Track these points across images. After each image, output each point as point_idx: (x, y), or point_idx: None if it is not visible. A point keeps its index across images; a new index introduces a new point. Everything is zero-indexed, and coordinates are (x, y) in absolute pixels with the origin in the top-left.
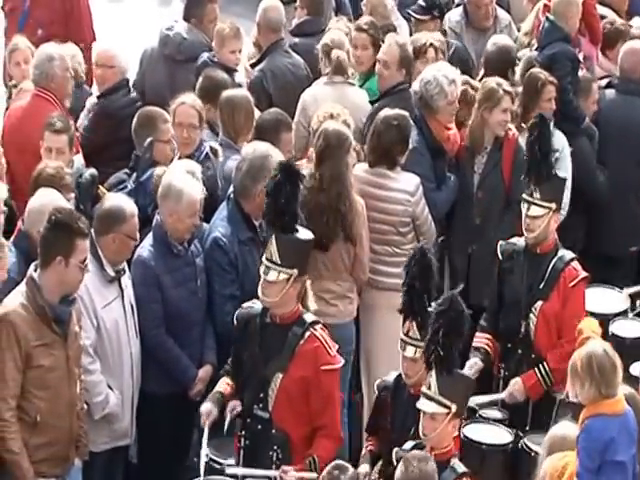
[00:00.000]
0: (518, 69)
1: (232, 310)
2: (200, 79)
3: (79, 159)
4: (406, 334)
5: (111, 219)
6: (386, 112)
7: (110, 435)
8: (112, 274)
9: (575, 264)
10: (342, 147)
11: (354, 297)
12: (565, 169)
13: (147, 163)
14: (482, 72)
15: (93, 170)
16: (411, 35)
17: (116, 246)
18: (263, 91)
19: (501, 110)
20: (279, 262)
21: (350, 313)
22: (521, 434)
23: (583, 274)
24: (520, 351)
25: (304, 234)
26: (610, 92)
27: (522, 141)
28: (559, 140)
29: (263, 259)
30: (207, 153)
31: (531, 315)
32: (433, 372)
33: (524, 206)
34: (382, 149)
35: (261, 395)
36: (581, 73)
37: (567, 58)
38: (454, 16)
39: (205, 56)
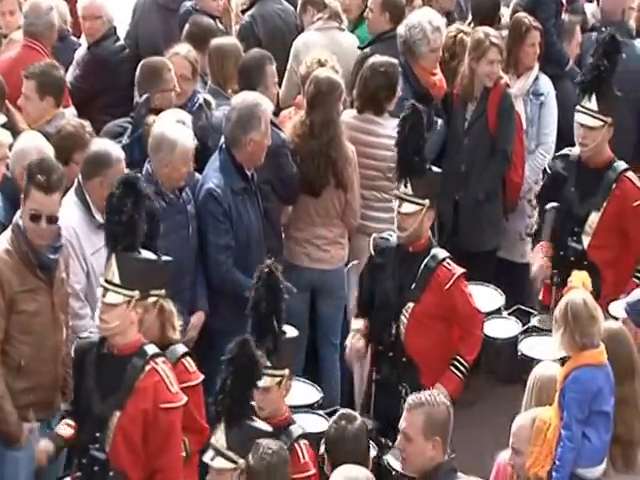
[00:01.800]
0: (506, 14)
1: (226, 260)
2: (187, 26)
3: (71, 111)
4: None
5: (97, 162)
6: (374, 59)
7: None
8: (101, 220)
9: (448, 263)
10: (333, 94)
11: (345, 242)
12: (550, 114)
13: (142, 119)
14: (470, 18)
15: (86, 123)
16: None
17: (103, 190)
18: (253, 36)
19: (487, 61)
20: (119, 283)
21: (342, 258)
22: None
23: (458, 272)
24: (391, 354)
25: (147, 254)
26: (591, 35)
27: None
28: (544, 84)
29: (101, 280)
30: (200, 104)
31: (402, 317)
32: (222, 425)
33: (395, 202)
34: (369, 95)
35: (97, 434)
36: (565, 16)
37: (551, 1)
38: None
39: (188, 4)
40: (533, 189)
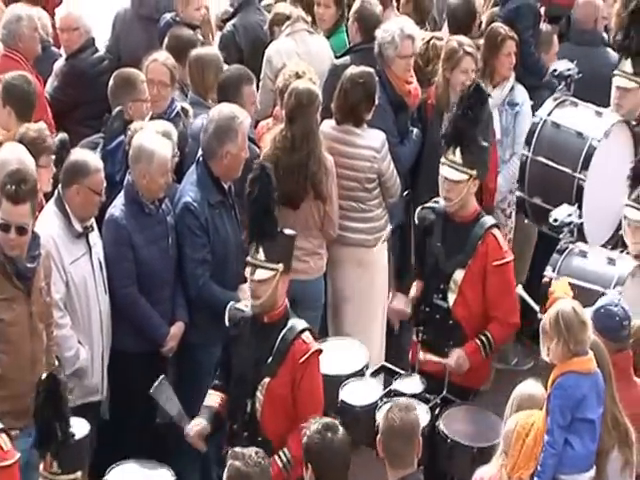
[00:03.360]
0: (483, 24)
1: (203, 274)
2: (166, 39)
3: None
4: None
5: (74, 171)
6: (352, 70)
7: (80, 390)
8: (80, 230)
9: (306, 335)
10: (312, 105)
11: (324, 253)
12: (525, 123)
13: (115, 132)
14: (446, 28)
15: (63, 135)
16: None
17: (80, 199)
18: (234, 45)
19: (461, 71)
20: None
21: (320, 269)
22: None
23: (314, 347)
24: (246, 434)
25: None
26: (565, 45)
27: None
28: (519, 94)
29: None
30: (178, 112)
31: (257, 393)
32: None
33: (247, 269)
34: (349, 107)
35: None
36: (542, 26)
37: (530, 11)
38: None
39: (167, 16)
40: (507, 198)
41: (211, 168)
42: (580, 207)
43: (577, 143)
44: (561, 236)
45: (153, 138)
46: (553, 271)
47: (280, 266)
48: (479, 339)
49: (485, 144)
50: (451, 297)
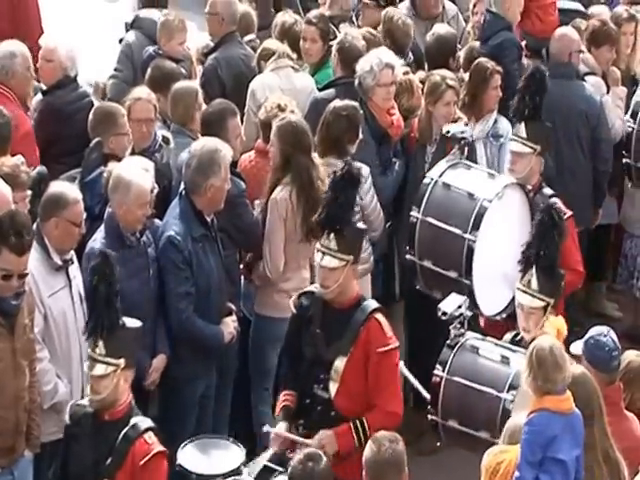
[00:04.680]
0: (461, 58)
1: (186, 308)
2: (149, 70)
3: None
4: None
5: (53, 203)
6: (335, 103)
7: (59, 425)
8: (59, 263)
9: (148, 435)
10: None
11: None
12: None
13: (93, 164)
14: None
15: (42, 168)
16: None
17: (59, 232)
18: (217, 79)
19: (444, 104)
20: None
21: None
22: None
23: (157, 449)
24: None
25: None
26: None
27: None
28: (503, 126)
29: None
30: (161, 143)
31: None
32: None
33: (86, 364)
34: (332, 140)
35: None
36: (525, 60)
37: (513, 45)
38: (402, 8)
39: (150, 49)
40: None
41: (194, 202)
42: (470, 271)
43: (468, 204)
44: (451, 328)
45: (131, 169)
46: (443, 370)
47: (121, 362)
48: (353, 422)
49: (362, 227)
50: (333, 387)
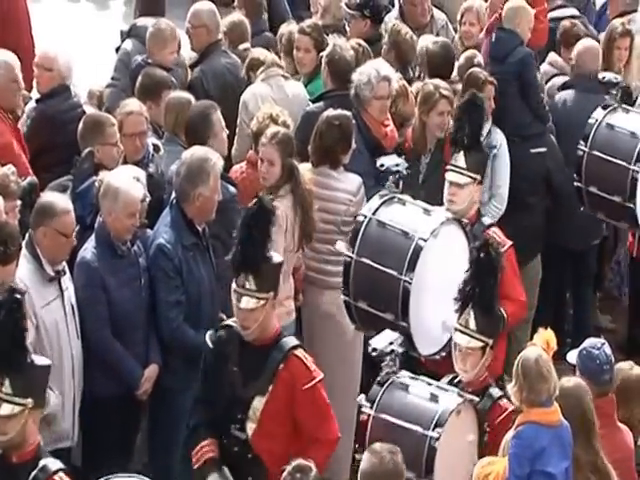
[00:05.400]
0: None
1: (177, 317)
2: (140, 78)
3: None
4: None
5: (42, 212)
6: (328, 113)
7: (50, 436)
8: (51, 273)
9: (59, 477)
10: None
11: None
12: (503, 166)
13: (85, 173)
14: (424, 71)
15: (32, 178)
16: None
17: (47, 241)
18: (203, 91)
19: (437, 113)
20: None
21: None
22: None
23: None
24: None
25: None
26: (569, 92)
27: None
28: (496, 137)
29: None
30: (153, 154)
31: None
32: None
33: None
34: (324, 149)
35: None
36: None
37: (533, 59)
38: (390, 18)
39: (139, 59)
40: None
41: (184, 210)
42: (407, 313)
43: (403, 243)
44: (382, 365)
45: (121, 177)
46: (371, 407)
47: (29, 401)
48: None
49: (278, 260)
50: (250, 427)
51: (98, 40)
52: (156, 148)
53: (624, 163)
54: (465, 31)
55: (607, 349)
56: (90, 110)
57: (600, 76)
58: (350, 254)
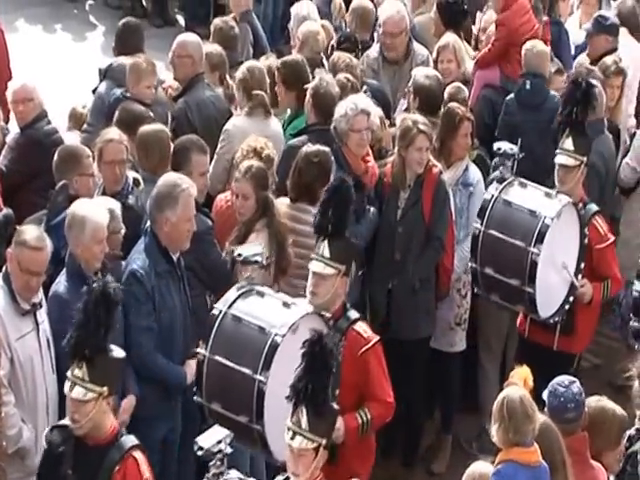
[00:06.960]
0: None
1: (147, 343)
2: (117, 112)
3: None
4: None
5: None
6: (307, 149)
7: (23, 470)
8: (26, 307)
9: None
10: None
11: None
12: (479, 203)
13: (59, 206)
14: (416, 104)
15: (8, 211)
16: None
17: (20, 275)
18: (187, 123)
19: (416, 149)
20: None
21: None
22: None
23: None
24: None
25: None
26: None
27: (445, 177)
28: (473, 174)
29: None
30: (132, 186)
31: None
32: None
33: None
34: (303, 185)
35: None
36: None
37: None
38: (372, 53)
39: (117, 92)
40: (462, 279)
41: (158, 237)
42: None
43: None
44: (210, 465)
45: (86, 206)
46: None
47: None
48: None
49: (117, 356)
50: None
51: (74, 70)
52: (136, 182)
53: (522, 244)
54: (444, 69)
55: (575, 388)
56: (68, 135)
57: (495, 147)
58: (203, 351)
